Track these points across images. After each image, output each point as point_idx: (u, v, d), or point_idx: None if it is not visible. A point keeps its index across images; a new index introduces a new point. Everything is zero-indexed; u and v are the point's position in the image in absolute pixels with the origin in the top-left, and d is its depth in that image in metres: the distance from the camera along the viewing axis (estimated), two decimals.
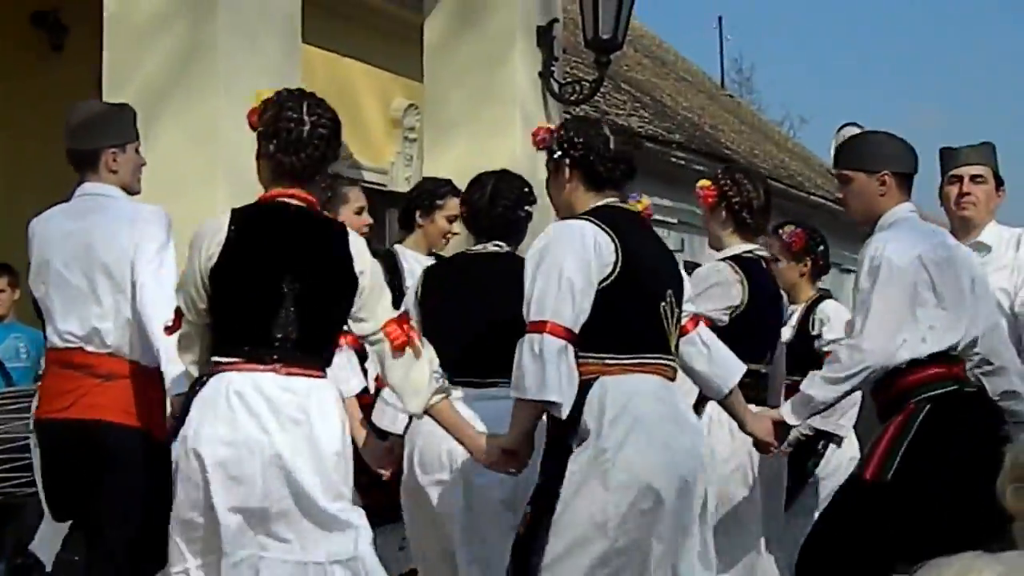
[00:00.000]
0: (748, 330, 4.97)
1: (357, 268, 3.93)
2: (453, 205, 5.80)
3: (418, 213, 5.97)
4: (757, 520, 5.08)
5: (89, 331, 4.57)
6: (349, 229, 4.10)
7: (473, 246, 4.87)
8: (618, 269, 3.89)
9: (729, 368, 4.41)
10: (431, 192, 6.07)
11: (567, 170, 4.08)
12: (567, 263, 3.84)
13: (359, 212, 5.26)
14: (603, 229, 3.91)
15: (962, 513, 3.97)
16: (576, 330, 3.83)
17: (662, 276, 4.07)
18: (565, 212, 4.14)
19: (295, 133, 3.90)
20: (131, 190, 4.78)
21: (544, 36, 8.54)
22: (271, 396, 3.77)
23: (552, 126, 4.20)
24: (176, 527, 3.86)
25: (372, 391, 4.86)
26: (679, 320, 4.12)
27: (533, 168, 9.60)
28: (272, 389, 3.78)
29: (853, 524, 4.19)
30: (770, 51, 64.63)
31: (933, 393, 4.24)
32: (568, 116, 4.36)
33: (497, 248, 4.75)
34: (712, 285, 5.00)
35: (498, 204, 4.75)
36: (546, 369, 3.78)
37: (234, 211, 3.95)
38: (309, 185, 3.99)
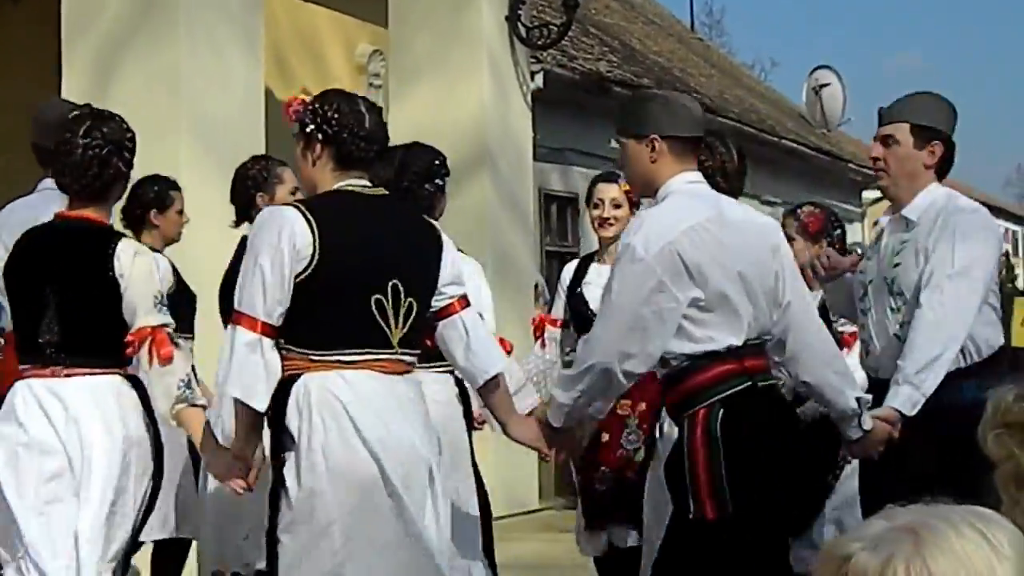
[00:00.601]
0: None
1: (117, 274, 4.13)
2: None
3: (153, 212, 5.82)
4: None
5: None
6: (125, 242, 4.24)
7: None
8: (315, 262, 3.73)
9: (489, 357, 4.09)
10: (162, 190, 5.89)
11: (318, 146, 3.88)
12: (262, 254, 3.74)
13: (294, 192, 5.12)
14: (306, 219, 3.75)
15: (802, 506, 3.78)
16: (273, 322, 3.74)
17: (381, 266, 3.83)
18: (308, 188, 4.00)
19: (71, 156, 4.16)
20: None
21: None
22: (42, 398, 4.12)
23: (306, 97, 4.00)
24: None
25: None
26: (412, 311, 3.87)
27: (504, 112, 9.52)
28: (42, 391, 4.13)
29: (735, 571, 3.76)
30: None
31: (723, 395, 3.80)
32: (329, 89, 4.18)
33: None
34: None
35: (404, 178, 4.52)
36: (233, 362, 3.72)
37: (27, 231, 4.30)
38: (104, 204, 4.26)
